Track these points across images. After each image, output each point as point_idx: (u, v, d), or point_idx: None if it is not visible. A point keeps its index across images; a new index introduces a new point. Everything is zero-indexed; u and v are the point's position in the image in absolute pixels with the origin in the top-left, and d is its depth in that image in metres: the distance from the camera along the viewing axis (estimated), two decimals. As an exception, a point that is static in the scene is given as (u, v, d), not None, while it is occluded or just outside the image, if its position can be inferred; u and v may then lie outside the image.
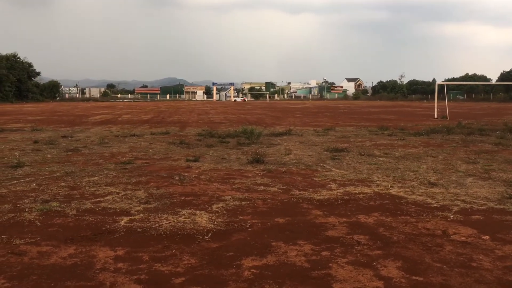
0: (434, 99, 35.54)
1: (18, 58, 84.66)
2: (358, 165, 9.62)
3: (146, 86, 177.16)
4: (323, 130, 18.67)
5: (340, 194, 6.90)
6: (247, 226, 5.29)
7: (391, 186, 7.43)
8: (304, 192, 7.05)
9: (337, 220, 5.53)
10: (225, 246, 4.60)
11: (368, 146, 13.24)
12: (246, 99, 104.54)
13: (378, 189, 7.23)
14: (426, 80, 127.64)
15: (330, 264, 4.12)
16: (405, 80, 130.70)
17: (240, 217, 5.65)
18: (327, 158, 10.56)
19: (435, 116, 29.78)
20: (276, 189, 7.26)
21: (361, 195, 6.84)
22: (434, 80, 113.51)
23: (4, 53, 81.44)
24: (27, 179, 7.91)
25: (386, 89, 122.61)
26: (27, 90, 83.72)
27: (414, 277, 3.84)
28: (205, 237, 4.87)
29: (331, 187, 7.42)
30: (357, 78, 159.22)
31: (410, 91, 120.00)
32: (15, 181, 7.74)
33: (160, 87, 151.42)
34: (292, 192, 7.01)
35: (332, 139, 15.22)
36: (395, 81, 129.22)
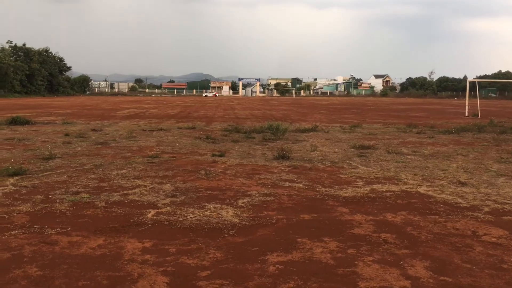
0: (465, 96, 34.67)
1: (50, 53, 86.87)
2: (386, 162, 9.49)
3: (173, 81, 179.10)
4: (350, 127, 18.47)
5: (366, 191, 6.82)
6: (273, 221, 5.29)
7: (419, 185, 7.30)
8: (329, 189, 7.00)
9: (363, 218, 5.48)
10: (250, 241, 4.62)
11: (396, 143, 13.03)
12: (217, 94, 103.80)
13: (406, 188, 7.11)
14: (457, 77, 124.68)
15: (356, 262, 4.09)
16: (435, 77, 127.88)
17: (266, 212, 5.65)
18: (354, 155, 10.45)
19: (466, 114, 29.06)
20: (301, 185, 7.24)
21: (388, 193, 6.75)
22: (465, 77, 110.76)
23: (36, 48, 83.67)
24: (59, 171, 8.13)
25: (415, 86, 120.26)
26: (58, 84, 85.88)
27: (442, 278, 3.77)
28: (231, 231, 4.90)
29: (357, 184, 7.34)
30: (385, 75, 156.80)
31: (440, 88, 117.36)
32: (47, 173, 7.96)
33: (187, 82, 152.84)
34: (317, 189, 6.98)
35: (358, 136, 15.05)
36: (424, 78, 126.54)
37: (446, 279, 3.75)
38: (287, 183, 7.39)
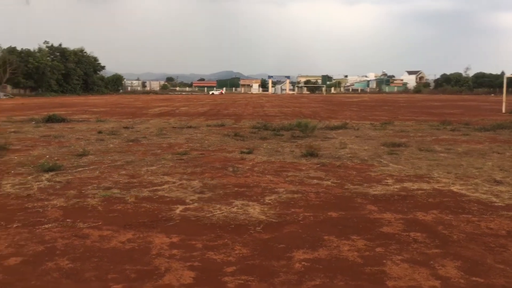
0: (502, 93, 33.46)
1: (85, 52, 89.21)
2: (417, 160, 9.27)
3: (203, 79, 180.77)
4: (381, 124, 18.16)
5: (396, 189, 6.69)
6: (299, 219, 5.26)
7: (452, 183, 7.10)
8: (358, 186, 6.90)
9: (393, 216, 5.37)
10: (276, 238, 4.61)
11: (429, 141, 12.72)
12: (223, 91, 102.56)
13: (438, 186, 6.93)
14: (494, 73, 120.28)
15: (384, 261, 4.01)
16: (471, 73, 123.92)
17: (293, 209, 5.63)
18: (384, 153, 10.27)
19: (503, 110, 28.04)
20: (329, 182, 7.17)
21: (419, 191, 6.59)
22: (502, 73, 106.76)
23: (72, 48, 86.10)
24: (91, 167, 8.34)
25: (450, 82, 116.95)
26: (93, 83, 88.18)
27: (474, 278, 3.65)
28: (257, 228, 4.91)
29: (387, 182, 7.21)
30: (419, 71, 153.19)
31: (476, 85, 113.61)
32: (80, 169, 8.18)
33: (217, 80, 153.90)
34: (346, 186, 6.89)
35: (390, 134, 14.78)
36: (460, 74, 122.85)
37: (478, 279, 3.63)
38: (315, 180, 7.34)
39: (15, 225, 4.94)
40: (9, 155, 9.75)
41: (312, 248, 4.34)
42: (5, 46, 73.05)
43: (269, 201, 5.99)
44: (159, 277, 3.67)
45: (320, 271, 3.80)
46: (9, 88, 71.77)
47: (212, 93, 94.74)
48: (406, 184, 7.03)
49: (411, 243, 4.48)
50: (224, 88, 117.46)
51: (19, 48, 74.96)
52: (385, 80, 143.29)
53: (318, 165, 8.67)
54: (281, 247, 4.36)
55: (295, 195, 6.32)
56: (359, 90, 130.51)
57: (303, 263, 3.98)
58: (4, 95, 61.31)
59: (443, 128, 16.81)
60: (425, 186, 6.94)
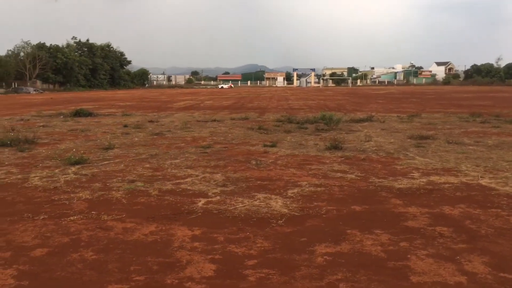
0: (535, 83, 32.27)
1: (112, 47, 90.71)
2: (445, 153, 9.04)
3: (228, 73, 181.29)
4: (408, 117, 17.81)
5: (423, 183, 6.54)
6: (322, 212, 5.20)
7: (481, 177, 6.89)
8: (383, 180, 6.77)
9: (418, 210, 5.25)
10: (298, 232, 4.57)
11: (457, 133, 12.40)
12: (232, 85, 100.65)
13: (466, 179, 6.74)
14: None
15: (409, 256, 3.92)
16: (503, 63, 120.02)
17: (315, 203, 5.57)
18: (411, 146, 10.06)
19: (537, 102, 27.07)
20: (353, 176, 7.06)
21: (446, 185, 6.42)
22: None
23: (99, 43, 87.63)
24: (116, 160, 8.47)
25: (480, 73, 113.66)
26: (119, 77, 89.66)
27: (502, 274, 3.53)
28: (279, 221, 4.87)
29: (413, 175, 7.05)
30: (448, 62, 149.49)
31: (508, 75, 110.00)
32: (105, 162, 8.31)
33: (241, 74, 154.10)
34: (370, 180, 6.78)
35: (417, 126, 14.47)
36: (491, 65, 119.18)
37: (506, 275, 3.50)
38: (339, 174, 7.24)
39: (41, 217, 5.05)
40: (37, 148, 10.00)
41: (334, 242, 4.28)
42: (34, 42, 74.99)
43: (292, 195, 5.94)
44: (180, 269, 3.69)
45: (343, 265, 3.74)
46: (39, 83, 73.74)
47: (222, 87, 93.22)
48: (432, 178, 6.86)
49: (436, 237, 4.37)
50: (238, 82, 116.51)
51: (48, 44, 76.76)
52: (413, 71, 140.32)
53: (342, 158, 8.56)
54: (303, 241, 4.31)
55: (318, 189, 6.26)
56: (386, 82, 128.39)
57: (325, 257, 3.93)
58: (34, 90, 63.01)
59: (473, 120, 16.36)
60: (452, 179, 6.75)
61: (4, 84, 65.83)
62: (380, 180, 6.78)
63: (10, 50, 72.97)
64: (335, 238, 4.38)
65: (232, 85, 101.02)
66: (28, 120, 18.01)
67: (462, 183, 6.51)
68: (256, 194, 5.99)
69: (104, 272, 3.64)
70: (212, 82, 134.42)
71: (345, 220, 4.94)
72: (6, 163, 8.28)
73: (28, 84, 68.65)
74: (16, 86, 66.23)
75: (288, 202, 5.58)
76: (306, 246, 4.19)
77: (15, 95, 54.87)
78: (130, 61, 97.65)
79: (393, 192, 6.09)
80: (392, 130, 13.40)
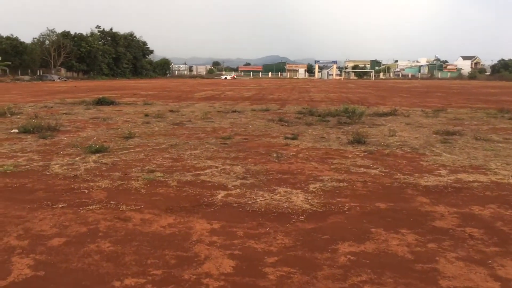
0: None
1: (134, 37, 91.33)
2: (473, 150, 8.72)
3: (249, 64, 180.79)
4: (433, 111, 17.35)
5: (450, 181, 6.28)
6: (345, 209, 5.03)
7: (512, 176, 6.60)
8: (408, 176, 6.54)
9: (446, 209, 5.02)
10: (320, 228, 4.41)
11: (485, 130, 11.98)
12: (235, 76, 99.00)
13: (496, 178, 6.45)
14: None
15: (437, 258, 3.73)
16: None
17: (338, 199, 5.40)
18: (436, 142, 9.74)
19: None
20: (377, 171, 6.84)
21: (475, 183, 6.16)
22: None
23: (122, 32, 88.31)
24: (136, 150, 8.42)
25: (508, 68, 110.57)
26: (142, 67, 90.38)
27: (540, 283, 3.31)
28: (300, 217, 4.72)
29: (440, 173, 6.79)
30: (474, 56, 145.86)
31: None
32: (126, 151, 8.28)
33: (263, 65, 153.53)
34: (395, 176, 6.55)
35: (442, 121, 14.07)
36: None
37: (544, 285, 3.29)
38: (362, 169, 7.04)
39: (60, 206, 5.02)
40: (59, 136, 10.05)
41: (358, 240, 4.11)
42: (59, 30, 76.02)
43: (314, 189, 5.78)
44: (198, 264, 3.58)
45: (367, 266, 3.57)
46: (63, 71, 74.87)
47: (225, 78, 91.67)
48: (460, 176, 6.59)
49: (466, 239, 4.16)
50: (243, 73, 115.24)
51: (72, 33, 77.70)
52: (438, 65, 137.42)
53: (366, 153, 8.33)
54: (325, 238, 4.16)
55: (341, 184, 6.07)
56: (410, 76, 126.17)
57: (348, 256, 3.77)
58: (59, 78, 64.04)
59: (501, 116, 15.82)
60: (481, 178, 6.48)
61: (29, 71, 67.03)
62: (405, 176, 6.55)
63: (35, 38, 74.19)
64: (359, 236, 4.22)
65: (235, 76, 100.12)
66: (52, 107, 18.21)
67: (492, 182, 6.23)
68: (276, 188, 5.85)
69: (121, 264, 3.56)
70: (233, 73, 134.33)
71: (369, 217, 4.76)
72: (28, 149, 8.33)
73: (53, 72, 69.76)
74: (41, 73, 67.37)
75: (309, 197, 5.42)
76: (328, 244, 4.03)
77: (40, 82, 55.84)
78: (152, 50, 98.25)
79: (419, 189, 5.86)
80: (417, 124, 13.05)
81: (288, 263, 3.63)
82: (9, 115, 14.04)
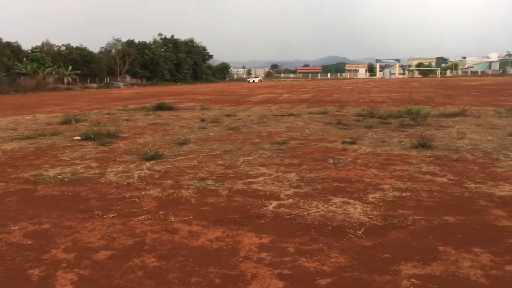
0: None
1: (195, 43, 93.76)
2: (556, 154, 7.81)
3: (307, 66, 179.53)
4: (506, 111, 16.00)
5: (531, 191, 5.58)
6: (408, 223, 4.56)
7: None
8: (481, 185, 5.90)
9: (528, 225, 4.41)
10: (380, 245, 4.00)
11: None
12: (262, 79, 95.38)
13: None
14: None
15: (519, 285, 3.21)
16: None
17: (400, 211, 4.92)
18: (512, 145, 8.86)
19: None
20: (445, 179, 6.25)
21: (561, 194, 5.42)
22: None
23: (183, 38, 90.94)
24: (190, 156, 8.35)
25: None
26: (202, 72, 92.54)
27: None
28: (358, 232, 4.32)
29: (518, 181, 6.08)
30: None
31: None
32: (179, 157, 8.23)
33: (322, 66, 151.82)
34: (465, 185, 5.94)
35: (518, 122, 12.89)
36: None
37: None
38: (428, 176, 6.46)
39: (111, 216, 4.97)
40: (117, 142, 10.26)
41: (423, 261, 3.65)
42: (124, 39, 79.64)
43: (373, 200, 5.34)
44: (244, 284, 3.32)
45: (434, 293, 3.13)
46: (128, 78, 78.29)
47: (253, 81, 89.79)
48: (543, 184, 5.85)
49: (555, 263, 3.57)
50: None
51: (136, 41, 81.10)
52: (510, 61, 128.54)
53: (432, 158, 7.70)
54: (385, 258, 3.74)
55: (404, 194, 5.57)
56: (479, 73, 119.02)
57: (412, 280, 3.34)
58: (124, 85, 67.00)
59: None
60: None
61: (97, 79, 70.69)
62: (477, 185, 5.91)
63: (102, 47, 78.32)
64: (424, 256, 3.76)
65: (262, 79, 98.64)
66: (114, 114, 18.86)
67: None
68: (332, 197, 5.47)
69: (163, 282, 3.38)
70: (291, 75, 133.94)
71: (435, 233, 4.27)
72: (87, 157, 8.53)
73: (119, 79, 73.16)
74: (107, 81, 70.89)
75: (368, 209, 5.00)
76: (389, 264, 3.62)
77: (106, 89, 58.68)
78: (212, 55, 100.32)
79: (494, 200, 5.24)
80: (489, 126, 12.03)
81: (343, 286, 3.27)
82: (74, 122, 14.66)
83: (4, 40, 58.66)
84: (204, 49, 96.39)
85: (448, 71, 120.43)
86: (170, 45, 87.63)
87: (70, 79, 64.64)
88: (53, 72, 60.71)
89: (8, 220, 4.88)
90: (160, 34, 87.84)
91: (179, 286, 3.33)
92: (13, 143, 10.55)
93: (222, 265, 3.67)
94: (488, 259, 3.66)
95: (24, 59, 58.75)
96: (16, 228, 4.63)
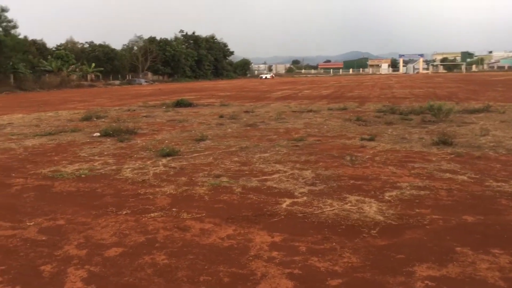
0: None
1: (216, 39, 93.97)
2: None
3: (329, 61, 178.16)
4: (533, 106, 15.52)
5: (556, 190, 5.36)
6: (425, 222, 4.43)
7: None
8: (503, 184, 5.71)
9: (551, 226, 4.23)
10: (395, 246, 3.89)
11: None
12: (274, 75, 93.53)
13: None
14: None
15: (539, 290, 3.07)
16: None
17: (417, 210, 4.80)
18: (538, 142, 8.55)
19: None
20: (466, 177, 6.07)
21: None
22: None
23: (204, 35, 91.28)
24: (206, 153, 8.35)
25: None
26: (222, 68, 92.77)
27: None
28: (372, 231, 4.22)
29: (542, 179, 5.85)
30: None
31: None
32: (195, 154, 8.23)
33: (343, 62, 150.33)
34: (487, 183, 5.75)
35: (545, 118, 12.46)
36: None
37: None
38: (448, 174, 6.29)
39: (124, 212, 4.99)
40: (135, 139, 10.33)
41: (439, 262, 3.54)
42: (146, 36, 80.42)
43: (389, 198, 5.22)
44: (253, 284, 3.28)
45: (449, 296, 3.03)
46: (150, 75, 79.10)
47: (265, 77, 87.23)
48: None
49: None
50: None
51: (158, 38, 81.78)
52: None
53: (452, 156, 7.50)
54: (399, 258, 3.64)
55: (422, 192, 5.43)
56: (506, 67, 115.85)
57: (426, 282, 3.23)
58: (145, 81, 67.73)
59: None
60: None
61: (120, 76, 71.62)
62: (499, 184, 5.72)
63: (125, 44, 79.20)
64: (440, 257, 3.64)
65: (274, 75, 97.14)
66: (134, 110, 19.04)
67: None
68: (347, 195, 5.37)
69: (172, 280, 3.36)
70: (312, 71, 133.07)
71: (453, 233, 4.13)
72: (105, 153, 8.61)
73: (140, 76, 73.98)
74: (130, 78, 71.74)
75: (384, 208, 4.88)
76: (403, 265, 3.52)
77: (128, 86, 59.43)
78: (233, 51, 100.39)
79: (517, 200, 5.06)
80: (514, 122, 11.67)
81: (354, 287, 3.19)
82: (94, 119, 14.86)
83: (30, 38, 59.86)
84: (225, 45, 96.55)
85: (473, 66, 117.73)
86: (191, 41, 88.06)
87: (93, 76, 65.67)
88: (77, 69, 61.75)
89: (24, 216, 4.96)
90: (181, 31, 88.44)
91: (187, 284, 3.31)
92: (34, 139, 10.75)
93: (232, 263, 3.63)
94: (507, 261, 3.53)
95: (49, 56, 59.90)
96: (31, 224, 4.70)
